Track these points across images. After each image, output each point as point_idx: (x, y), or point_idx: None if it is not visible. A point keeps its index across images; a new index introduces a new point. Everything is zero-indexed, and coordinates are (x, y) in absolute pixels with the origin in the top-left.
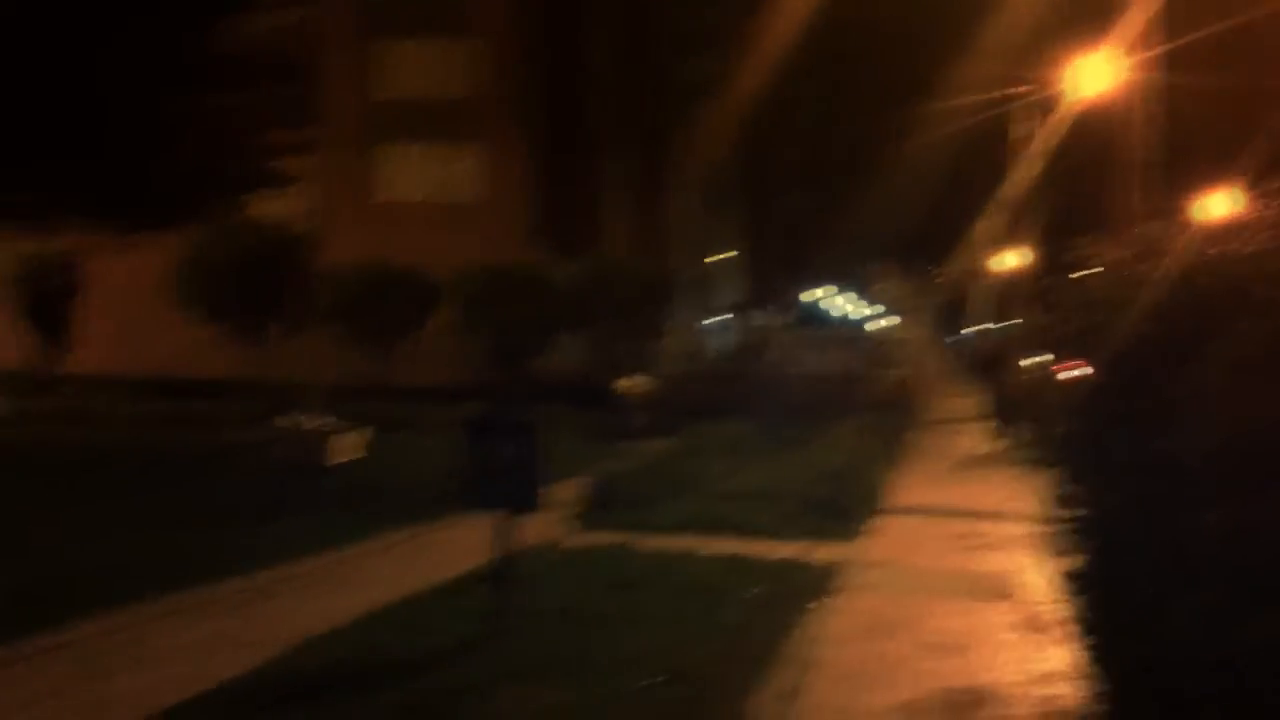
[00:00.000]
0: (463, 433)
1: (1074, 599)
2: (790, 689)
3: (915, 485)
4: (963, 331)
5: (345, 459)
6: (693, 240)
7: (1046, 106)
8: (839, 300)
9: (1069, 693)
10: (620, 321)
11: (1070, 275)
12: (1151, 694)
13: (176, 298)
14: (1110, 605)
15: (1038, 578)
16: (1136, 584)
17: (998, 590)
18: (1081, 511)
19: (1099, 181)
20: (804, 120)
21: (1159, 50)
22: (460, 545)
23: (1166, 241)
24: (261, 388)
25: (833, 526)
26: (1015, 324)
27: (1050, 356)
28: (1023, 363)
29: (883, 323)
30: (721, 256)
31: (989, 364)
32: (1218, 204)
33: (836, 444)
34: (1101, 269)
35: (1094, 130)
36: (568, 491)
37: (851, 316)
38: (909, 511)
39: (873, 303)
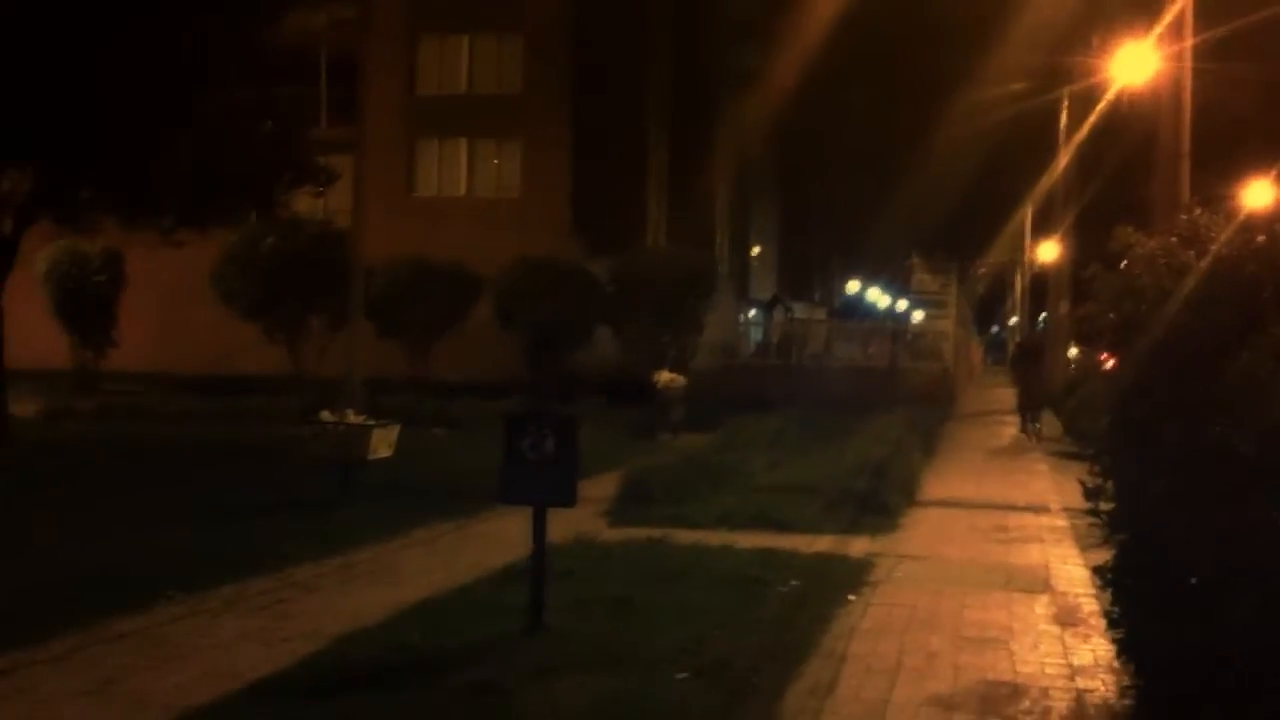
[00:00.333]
0: (502, 427)
1: (1112, 591)
2: (827, 682)
3: (953, 478)
4: (1004, 323)
5: (385, 454)
6: (734, 232)
7: (1089, 96)
8: (879, 293)
9: (1108, 685)
10: (660, 315)
11: (1113, 265)
12: (1186, 688)
13: (218, 295)
14: (1148, 598)
15: (1076, 570)
16: (1177, 577)
17: (1036, 583)
18: (1121, 504)
19: (1142, 171)
20: (846, 110)
21: (1202, 38)
22: (500, 539)
23: (1212, 230)
24: (302, 384)
25: (870, 519)
26: (1056, 315)
27: (1089, 348)
28: (1070, 354)
29: (922, 315)
30: (761, 249)
31: (1028, 356)
32: (1264, 192)
33: (875, 437)
34: (1146, 258)
35: (1137, 119)
36: (607, 485)
37: (891, 309)
38: (947, 504)
39: (913, 295)
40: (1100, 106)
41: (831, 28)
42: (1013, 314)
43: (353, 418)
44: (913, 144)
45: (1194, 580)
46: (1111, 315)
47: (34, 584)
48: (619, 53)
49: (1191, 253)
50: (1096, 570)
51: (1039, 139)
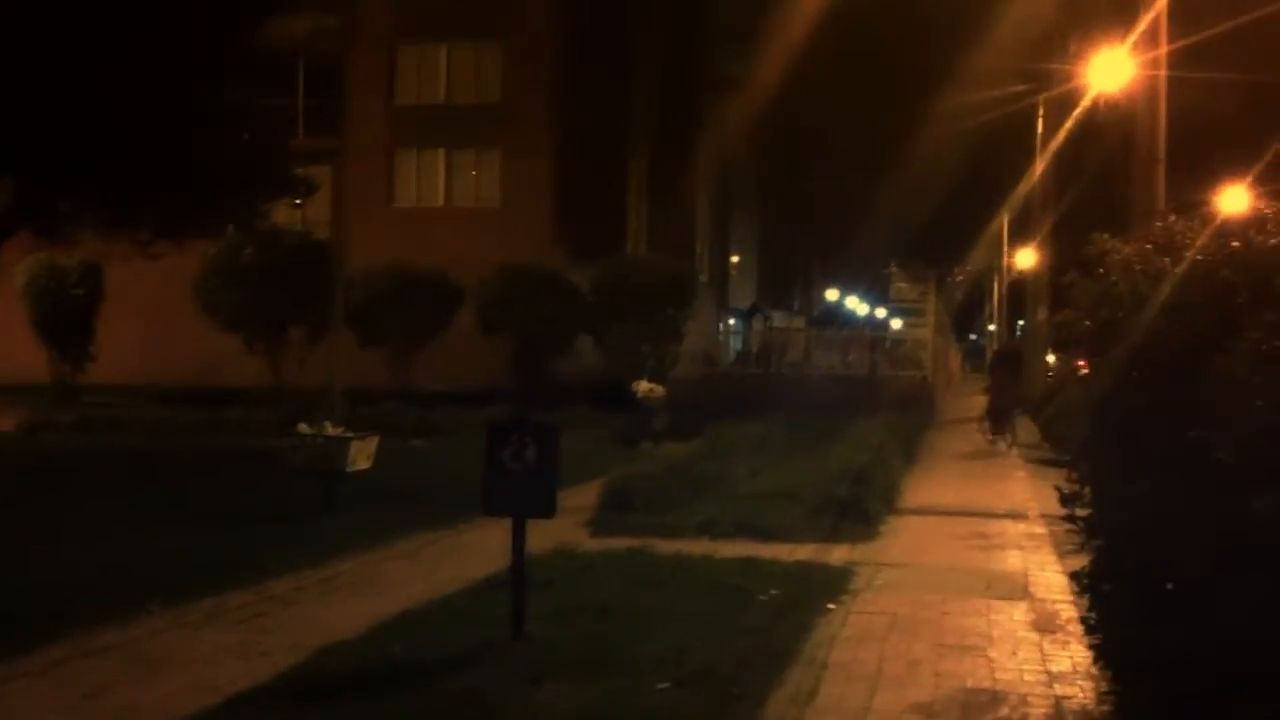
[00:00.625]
0: (484, 436)
1: (1090, 597)
2: (808, 690)
3: (933, 485)
4: (982, 330)
5: (364, 466)
6: (714, 240)
7: (1066, 102)
8: (858, 301)
9: (1086, 692)
10: (641, 323)
11: (1090, 272)
12: (1166, 692)
13: (200, 306)
14: (1126, 602)
15: (1054, 576)
16: (1156, 581)
17: (1015, 590)
18: (1099, 509)
19: (1118, 177)
20: (825, 118)
21: (1177, 45)
22: (481, 549)
23: (1188, 236)
24: (283, 395)
25: (851, 527)
26: (1034, 322)
27: (1066, 355)
28: (1048, 360)
29: (901, 323)
30: (740, 258)
31: (1005, 362)
32: (1239, 197)
33: (855, 444)
34: (1122, 265)
35: (1113, 125)
36: (588, 495)
37: (870, 317)
38: (927, 511)
39: (892, 303)
40: (1077, 112)
41: (812, 36)
42: (990, 321)
43: (331, 429)
44: (891, 151)
45: (1171, 585)
46: (1088, 322)
47: (12, 597)
48: (598, 61)
49: (1167, 259)
50: (1074, 576)
51: (1016, 145)
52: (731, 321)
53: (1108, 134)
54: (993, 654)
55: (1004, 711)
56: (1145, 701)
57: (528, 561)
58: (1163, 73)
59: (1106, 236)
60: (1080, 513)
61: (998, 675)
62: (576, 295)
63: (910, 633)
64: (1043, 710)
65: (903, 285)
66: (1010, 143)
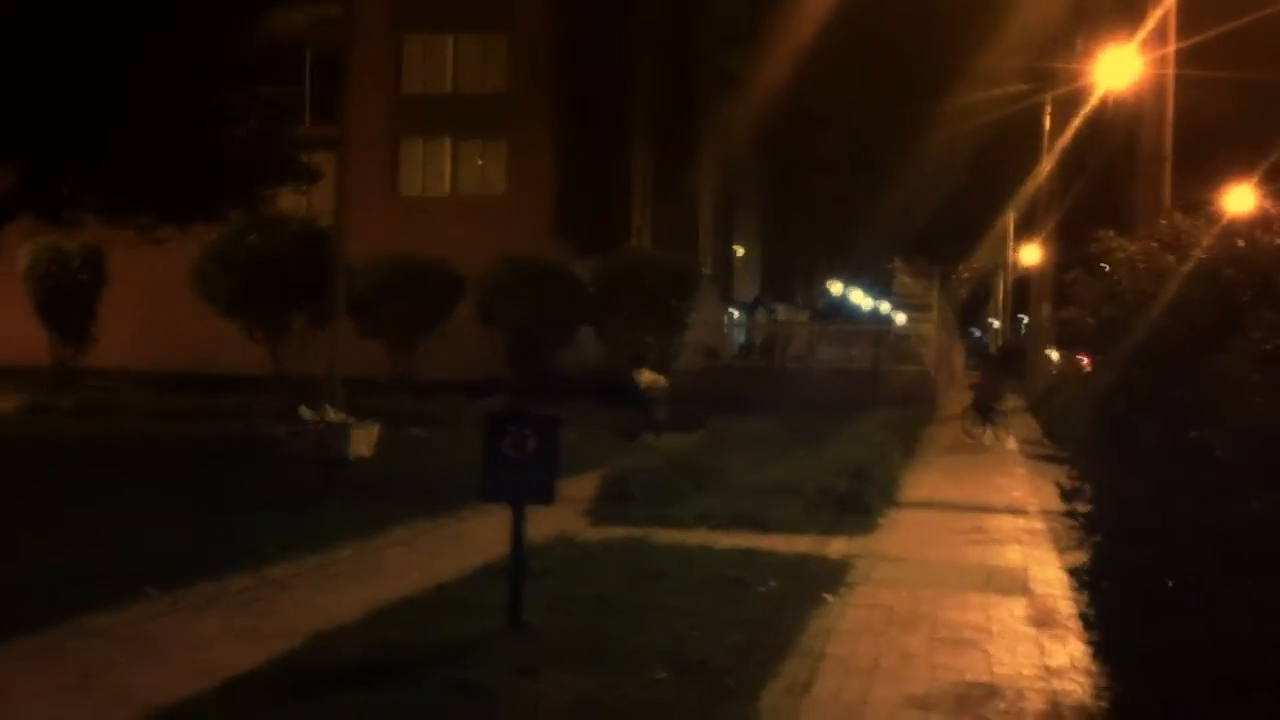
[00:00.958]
0: (484, 426)
1: (1089, 593)
2: (804, 682)
3: (933, 479)
4: (985, 326)
5: (364, 453)
6: (718, 233)
7: (1073, 100)
8: (862, 295)
9: (1083, 687)
10: (643, 315)
11: (1094, 269)
12: (1164, 689)
13: (199, 292)
14: (1125, 599)
15: (1053, 572)
16: (1155, 577)
17: (1013, 585)
18: (1099, 505)
19: (1124, 175)
20: (832, 113)
21: (1183, 44)
22: (479, 538)
23: (1193, 235)
24: (283, 382)
25: (850, 520)
26: (1038, 318)
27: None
28: (1051, 357)
29: (905, 318)
30: (745, 251)
31: (1008, 357)
32: (1245, 197)
33: (856, 438)
34: (1126, 263)
35: (1119, 124)
36: (588, 485)
37: (874, 311)
38: (926, 505)
39: (895, 298)
40: (1084, 111)
41: (818, 31)
42: (994, 317)
43: (332, 416)
44: (898, 147)
45: (1171, 583)
46: (1091, 319)
47: (11, 579)
48: (604, 53)
49: (1172, 257)
50: (1073, 572)
51: (1023, 143)
52: (735, 314)
53: (1114, 132)
54: (990, 648)
55: (1000, 705)
56: (1143, 699)
57: (527, 550)
58: (1170, 71)
59: (1111, 234)
60: (1081, 509)
61: (995, 669)
62: (579, 287)
63: (907, 626)
64: (1039, 705)
65: (906, 280)
66: (1017, 141)
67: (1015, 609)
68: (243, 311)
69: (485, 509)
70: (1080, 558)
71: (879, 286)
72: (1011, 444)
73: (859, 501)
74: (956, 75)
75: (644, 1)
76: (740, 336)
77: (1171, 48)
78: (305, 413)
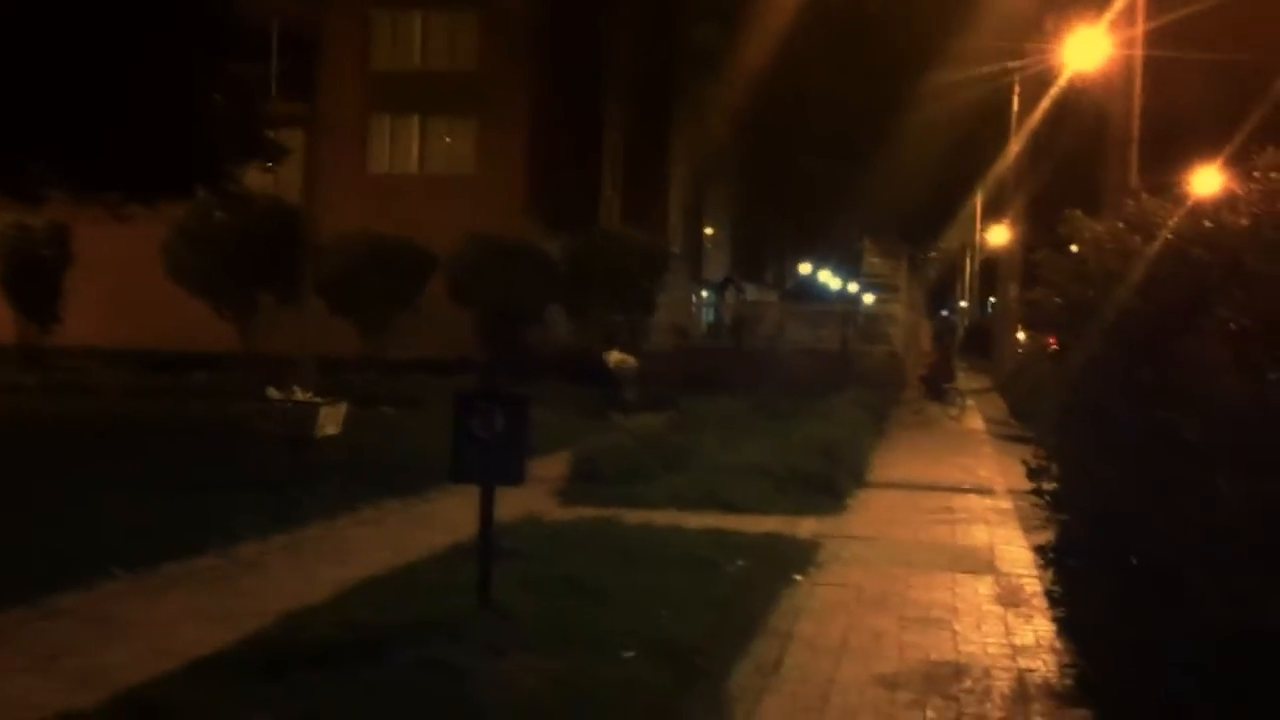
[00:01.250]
0: (454, 405)
1: (1054, 571)
2: (773, 661)
3: (901, 459)
4: (953, 307)
5: (332, 431)
6: (688, 212)
7: (1042, 81)
8: (831, 275)
9: (1049, 665)
10: (613, 294)
11: (1062, 250)
12: (1128, 667)
13: (167, 270)
14: (1091, 577)
15: (1019, 551)
16: (1122, 557)
17: (980, 564)
18: (1066, 484)
19: (1092, 156)
20: (802, 93)
21: (1150, 25)
22: (448, 518)
23: (1160, 215)
24: (252, 360)
25: (819, 500)
26: (1005, 299)
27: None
28: (1018, 337)
29: (873, 298)
30: (715, 230)
31: (973, 336)
32: (1212, 178)
33: (826, 418)
34: (1094, 243)
35: (1088, 105)
36: (558, 465)
37: (844, 292)
38: (894, 485)
39: (864, 278)
40: (1052, 92)
41: (790, 10)
42: (963, 298)
43: (300, 395)
44: (868, 127)
45: (1139, 564)
46: (1059, 299)
47: None
48: (576, 31)
49: (1139, 237)
50: (1039, 550)
51: (992, 124)
52: (704, 294)
53: (1082, 113)
54: (957, 627)
55: (967, 684)
56: (1111, 676)
57: (496, 530)
58: (1138, 52)
59: (1079, 214)
60: (1046, 486)
61: (962, 648)
62: (549, 266)
63: (875, 605)
64: (1006, 682)
65: (875, 260)
66: (986, 122)
67: (982, 588)
68: (212, 289)
69: (455, 489)
70: (1047, 537)
71: (848, 266)
72: (968, 419)
73: (828, 481)
74: (927, 56)
75: None
76: (709, 316)
77: (1140, 29)
78: (272, 392)
